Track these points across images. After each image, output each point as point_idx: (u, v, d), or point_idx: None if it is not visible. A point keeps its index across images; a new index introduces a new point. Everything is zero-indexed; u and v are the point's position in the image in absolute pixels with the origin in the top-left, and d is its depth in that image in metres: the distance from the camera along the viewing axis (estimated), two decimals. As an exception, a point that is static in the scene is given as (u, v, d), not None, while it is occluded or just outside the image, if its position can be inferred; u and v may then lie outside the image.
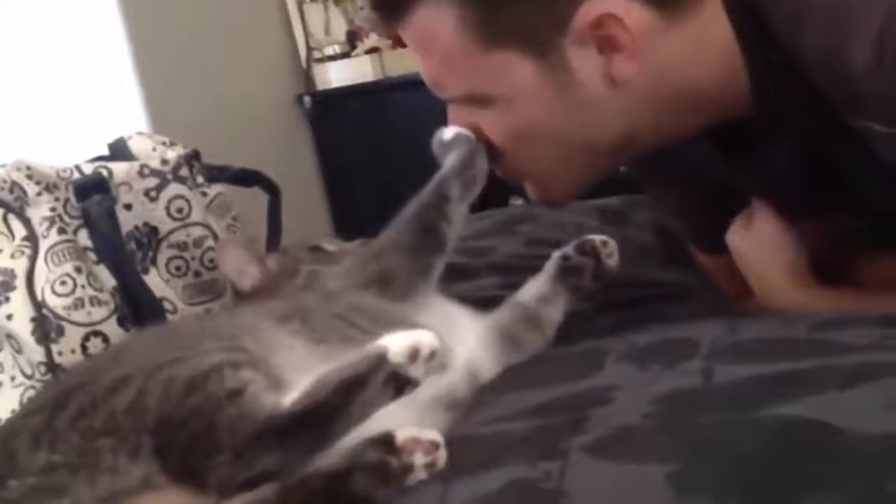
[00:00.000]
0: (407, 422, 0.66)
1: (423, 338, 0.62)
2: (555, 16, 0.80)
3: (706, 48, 0.82)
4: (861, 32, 0.73)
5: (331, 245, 0.95)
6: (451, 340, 0.79)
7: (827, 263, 0.96)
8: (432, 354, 0.62)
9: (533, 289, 0.89)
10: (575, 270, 0.89)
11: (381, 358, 0.61)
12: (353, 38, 2.60)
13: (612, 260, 0.90)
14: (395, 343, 0.62)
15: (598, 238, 0.90)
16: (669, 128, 0.87)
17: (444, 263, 0.86)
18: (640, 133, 0.86)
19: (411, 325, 0.78)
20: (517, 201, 2.29)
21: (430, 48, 0.85)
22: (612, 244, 0.90)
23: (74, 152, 1.10)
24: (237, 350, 0.67)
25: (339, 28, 2.66)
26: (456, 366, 0.79)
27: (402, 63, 2.48)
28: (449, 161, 0.88)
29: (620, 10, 0.79)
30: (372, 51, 2.51)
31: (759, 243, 0.96)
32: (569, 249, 0.90)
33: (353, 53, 2.55)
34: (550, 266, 0.90)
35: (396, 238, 0.86)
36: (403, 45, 2.86)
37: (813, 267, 0.96)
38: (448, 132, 0.89)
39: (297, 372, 0.67)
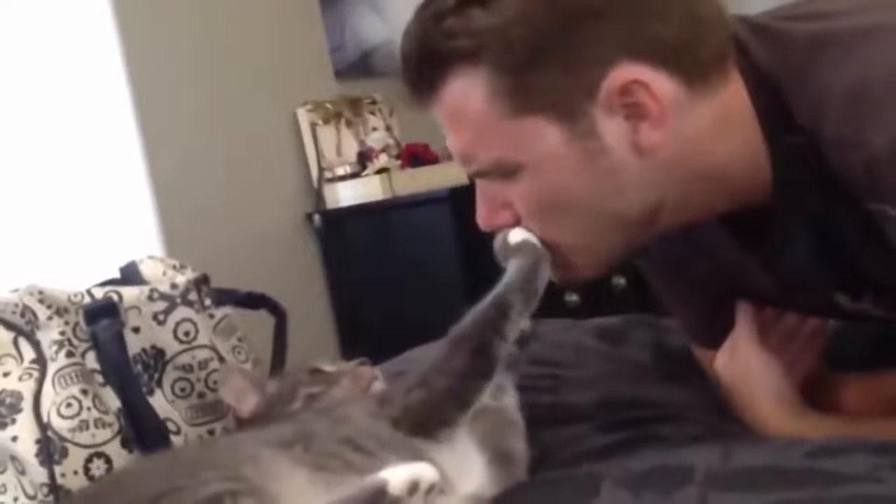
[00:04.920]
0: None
1: (423, 471, 0.64)
2: (584, 82, 0.81)
3: (729, 125, 0.84)
4: (883, 122, 0.75)
5: (330, 366, 0.96)
6: (454, 470, 0.80)
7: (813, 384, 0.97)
8: (431, 488, 0.64)
9: None
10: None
11: (381, 490, 0.63)
12: (363, 159, 2.66)
13: (525, 324, 0.88)
14: (396, 476, 0.63)
15: None
16: (693, 207, 0.88)
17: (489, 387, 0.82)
18: (665, 209, 0.86)
19: (417, 452, 0.79)
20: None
21: (462, 119, 0.86)
22: None
23: (90, 275, 1.12)
24: (237, 479, 0.67)
25: (351, 149, 2.73)
26: (458, 495, 0.79)
27: (411, 183, 2.54)
28: (511, 271, 0.86)
29: (648, 77, 0.81)
30: (381, 171, 2.58)
31: (744, 372, 0.97)
32: None
33: (363, 173, 2.62)
34: None
35: (447, 360, 0.81)
36: (412, 166, 2.89)
37: (801, 389, 0.96)
38: (515, 235, 0.88)
39: (299, 500, 0.68)
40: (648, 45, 0.81)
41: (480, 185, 0.91)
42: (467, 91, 0.84)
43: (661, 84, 0.81)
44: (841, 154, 0.78)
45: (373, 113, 2.81)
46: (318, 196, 2.66)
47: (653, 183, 0.85)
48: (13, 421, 0.90)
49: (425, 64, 0.86)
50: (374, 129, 2.78)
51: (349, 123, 2.76)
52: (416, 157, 2.63)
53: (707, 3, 0.84)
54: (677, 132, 0.83)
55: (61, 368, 0.92)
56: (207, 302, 1.05)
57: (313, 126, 2.69)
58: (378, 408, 0.83)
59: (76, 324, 0.95)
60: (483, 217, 0.91)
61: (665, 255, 1.03)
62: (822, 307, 0.94)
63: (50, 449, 0.89)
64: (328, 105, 2.73)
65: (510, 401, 0.89)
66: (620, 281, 2.31)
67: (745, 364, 0.97)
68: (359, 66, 2.83)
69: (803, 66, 0.81)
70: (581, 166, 0.84)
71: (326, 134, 2.71)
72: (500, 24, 0.81)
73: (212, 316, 1.05)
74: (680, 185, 0.85)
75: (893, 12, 0.82)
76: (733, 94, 0.84)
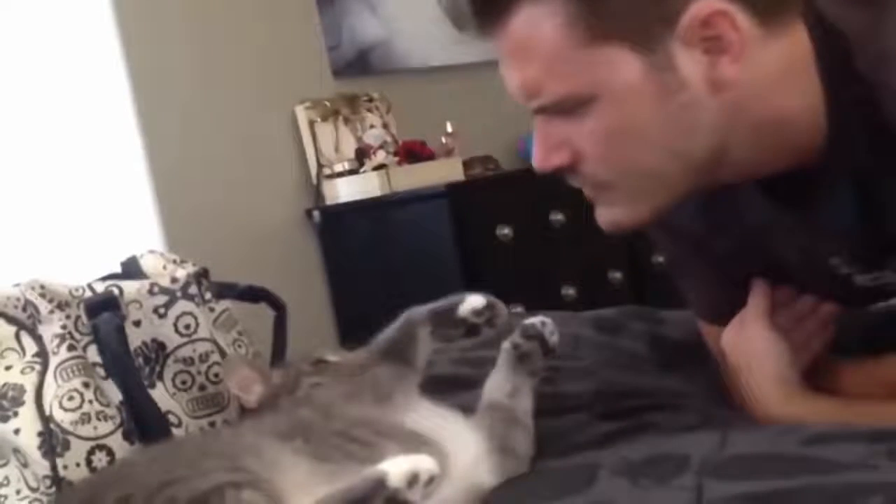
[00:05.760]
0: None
1: (422, 463, 0.65)
2: (663, 10, 0.80)
3: (792, 73, 0.83)
4: None
5: (334, 356, 0.97)
6: (450, 454, 0.80)
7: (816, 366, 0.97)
8: (431, 479, 0.65)
9: (501, 386, 0.91)
10: (528, 356, 0.91)
11: (381, 482, 0.63)
12: (361, 156, 2.67)
13: (554, 338, 0.92)
14: (395, 467, 0.64)
15: (537, 320, 0.93)
16: (752, 158, 0.86)
17: None
18: (727, 157, 0.85)
19: (415, 439, 0.79)
20: (517, 308, 2.31)
21: (532, 49, 0.83)
22: (550, 323, 0.93)
23: (91, 269, 1.13)
24: (239, 470, 0.68)
25: (349, 146, 2.74)
26: (455, 478, 0.80)
27: (408, 179, 2.55)
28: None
29: (730, 9, 0.80)
30: (379, 167, 2.58)
31: (749, 349, 0.96)
32: (517, 338, 0.92)
33: (362, 170, 2.63)
34: (507, 358, 0.92)
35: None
36: (409, 162, 2.90)
37: (805, 372, 0.96)
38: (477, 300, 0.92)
39: (300, 491, 0.69)
40: None
41: (540, 123, 0.87)
42: (541, 18, 0.81)
43: (741, 17, 0.80)
44: None
45: (370, 110, 2.82)
46: (317, 192, 2.67)
47: (721, 125, 0.83)
48: (16, 414, 0.91)
49: None
50: (372, 126, 2.79)
51: (347, 121, 2.77)
52: (412, 153, 2.64)
53: None
54: (751, 72, 0.81)
55: (63, 362, 0.93)
56: (208, 296, 1.05)
57: (312, 124, 2.70)
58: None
59: (77, 318, 0.96)
60: (539, 158, 0.88)
61: (687, 229, 1.01)
62: (839, 280, 0.93)
63: (52, 441, 0.90)
64: (326, 103, 2.74)
65: (524, 405, 0.90)
66: (616, 275, 2.33)
67: (752, 341, 0.96)
68: (356, 65, 2.84)
69: (870, 15, 0.81)
70: (656, 100, 0.82)
71: (325, 131, 2.72)
72: None
73: (212, 309, 1.05)
74: (744, 133, 0.84)
75: None
76: (797, 43, 0.83)
